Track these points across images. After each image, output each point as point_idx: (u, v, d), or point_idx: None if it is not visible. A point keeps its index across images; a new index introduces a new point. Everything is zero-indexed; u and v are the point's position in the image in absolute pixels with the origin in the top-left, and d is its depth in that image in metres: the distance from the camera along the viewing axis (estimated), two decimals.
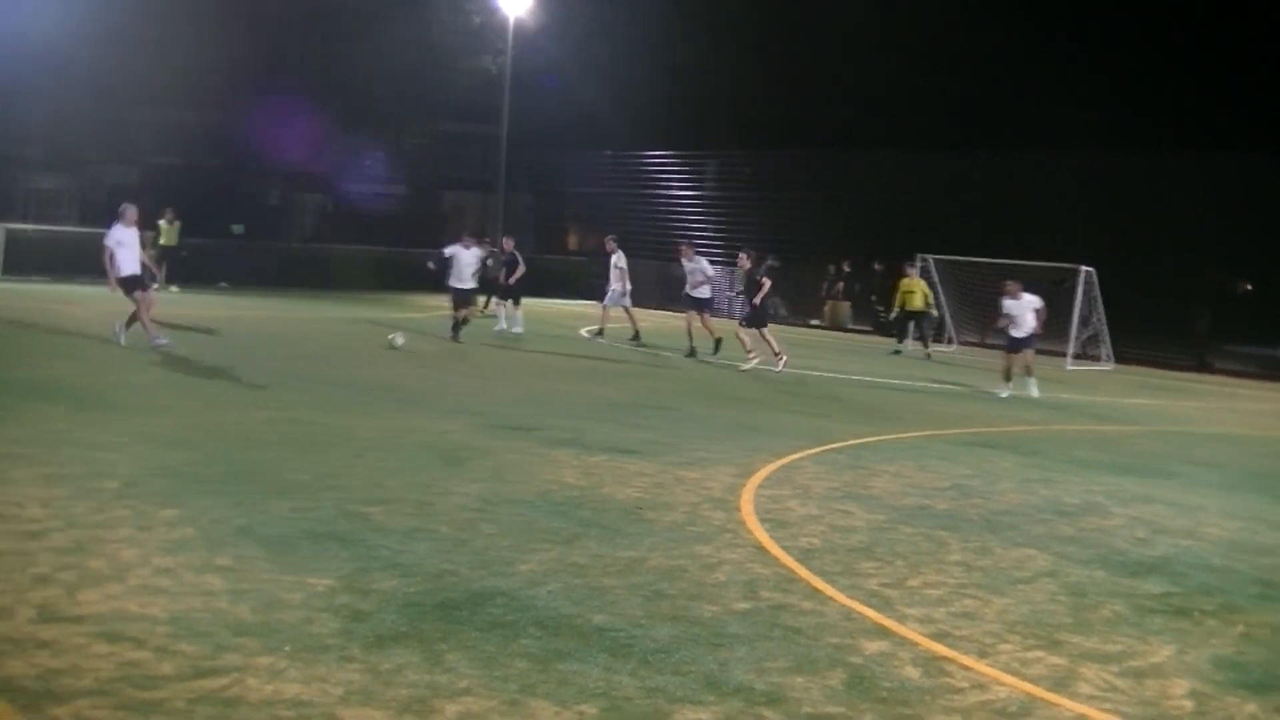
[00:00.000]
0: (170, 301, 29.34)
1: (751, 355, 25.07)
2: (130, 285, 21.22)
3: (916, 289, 33.19)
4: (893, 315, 34.60)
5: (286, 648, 7.06)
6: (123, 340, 21.33)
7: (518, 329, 29.74)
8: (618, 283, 30.02)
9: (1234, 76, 45.36)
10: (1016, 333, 23.49)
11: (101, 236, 21.37)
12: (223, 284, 41.54)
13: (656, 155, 52.74)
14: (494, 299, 31.66)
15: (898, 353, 32.72)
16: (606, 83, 51.35)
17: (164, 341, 21.28)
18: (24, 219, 38.66)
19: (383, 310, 35.70)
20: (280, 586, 8.18)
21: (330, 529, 9.79)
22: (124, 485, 10.80)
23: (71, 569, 8.25)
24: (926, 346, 33.15)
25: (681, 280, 28.61)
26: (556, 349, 27.28)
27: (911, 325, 34.17)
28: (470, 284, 27.55)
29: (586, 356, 25.95)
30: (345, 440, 13.94)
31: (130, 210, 21.44)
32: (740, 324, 26.20)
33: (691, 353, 27.09)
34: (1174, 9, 46.90)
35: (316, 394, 17.67)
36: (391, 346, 19.91)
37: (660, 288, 41.06)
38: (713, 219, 49.65)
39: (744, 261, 26.67)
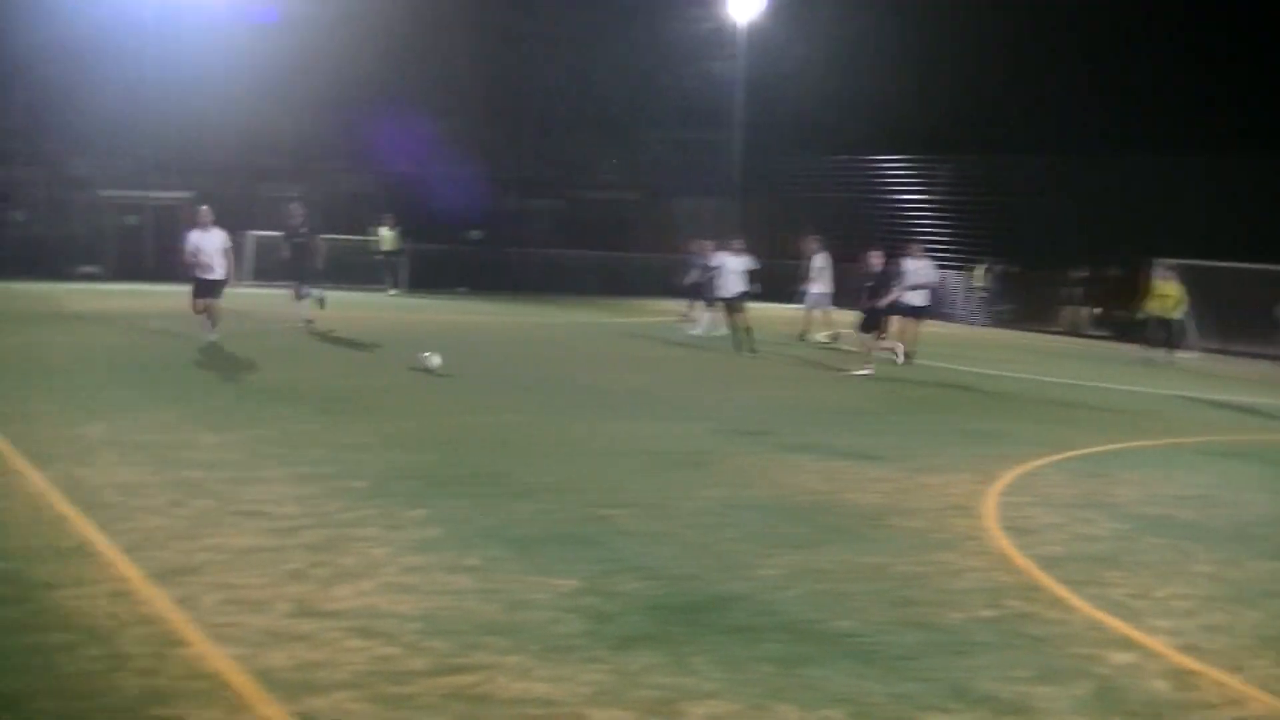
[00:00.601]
0: (394, 305, 29.94)
1: (867, 365, 23.49)
2: (205, 289, 21.97)
3: (1171, 293, 32.15)
4: (1142, 316, 33.45)
5: (534, 646, 7.16)
6: (213, 336, 21.74)
7: (697, 331, 29.39)
8: (817, 285, 29.58)
9: None
10: None
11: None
12: (461, 289, 42.28)
13: (888, 159, 52.32)
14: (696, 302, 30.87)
15: (1150, 361, 31.64)
16: (838, 86, 51.00)
17: (214, 338, 21.69)
18: (269, 226, 39.71)
19: (617, 315, 36.01)
20: (526, 587, 8.30)
21: (574, 531, 9.91)
22: (373, 485, 11.09)
23: (325, 565, 8.50)
24: (1172, 353, 32.09)
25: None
26: (785, 354, 27.08)
27: (1161, 330, 33.02)
28: (737, 291, 26.47)
29: (812, 363, 25.69)
30: (584, 443, 14.11)
31: (203, 213, 22.19)
32: (858, 328, 24.16)
33: (907, 358, 25.82)
34: None
35: (554, 398, 17.90)
36: (425, 368, 18.77)
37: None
38: (945, 224, 49.10)
39: (874, 260, 24.21)
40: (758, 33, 48.28)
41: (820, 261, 29.70)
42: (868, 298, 23.56)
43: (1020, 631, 8.10)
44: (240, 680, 6.41)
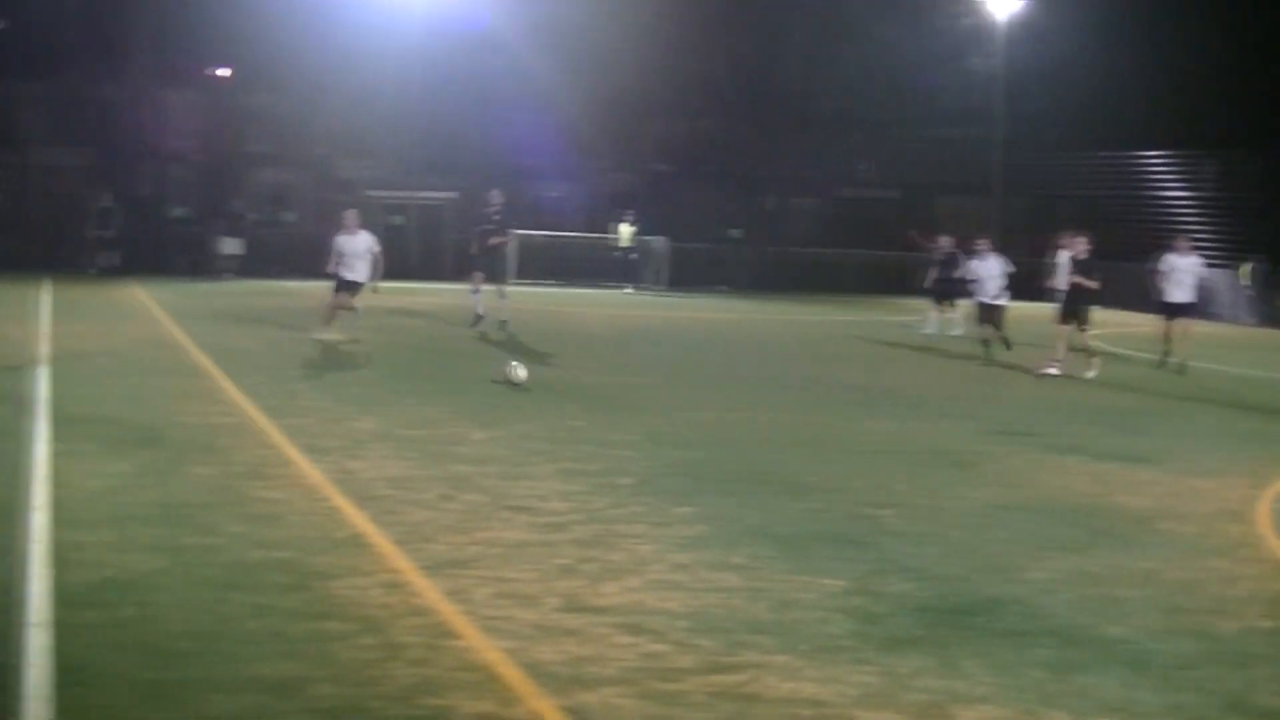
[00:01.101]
0: (653, 304, 30.02)
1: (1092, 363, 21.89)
2: (345, 287, 21.95)
3: None
4: None
5: (802, 646, 7.10)
6: (327, 334, 21.44)
7: (929, 330, 28.89)
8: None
9: None
10: None
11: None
12: (722, 287, 42.43)
13: (1151, 155, 51.08)
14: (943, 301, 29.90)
15: None
16: (1099, 82, 49.90)
17: (330, 336, 21.42)
18: (533, 226, 40.40)
19: (877, 313, 35.78)
20: (794, 586, 8.25)
21: (841, 530, 9.83)
22: (639, 482, 11.16)
23: (593, 561, 8.56)
24: None
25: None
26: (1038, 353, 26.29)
27: None
28: (993, 296, 24.69)
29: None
30: (850, 442, 14.03)
31: (349, 215, 22.37)
32: (1077, 324, 21.95)
33: (1162, 362, 24.23)
34: None
35: (818, 396, 17.84)
36: (509, 381, 17.39)
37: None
38: (1210, 220, 47.72)
39: (1076, 246, 22.36)
40: (1017, 28, 47.48)
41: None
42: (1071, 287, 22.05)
43: None
44: (510, 673, 6.48)
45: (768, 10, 49.74)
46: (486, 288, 24.44)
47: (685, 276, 41.93)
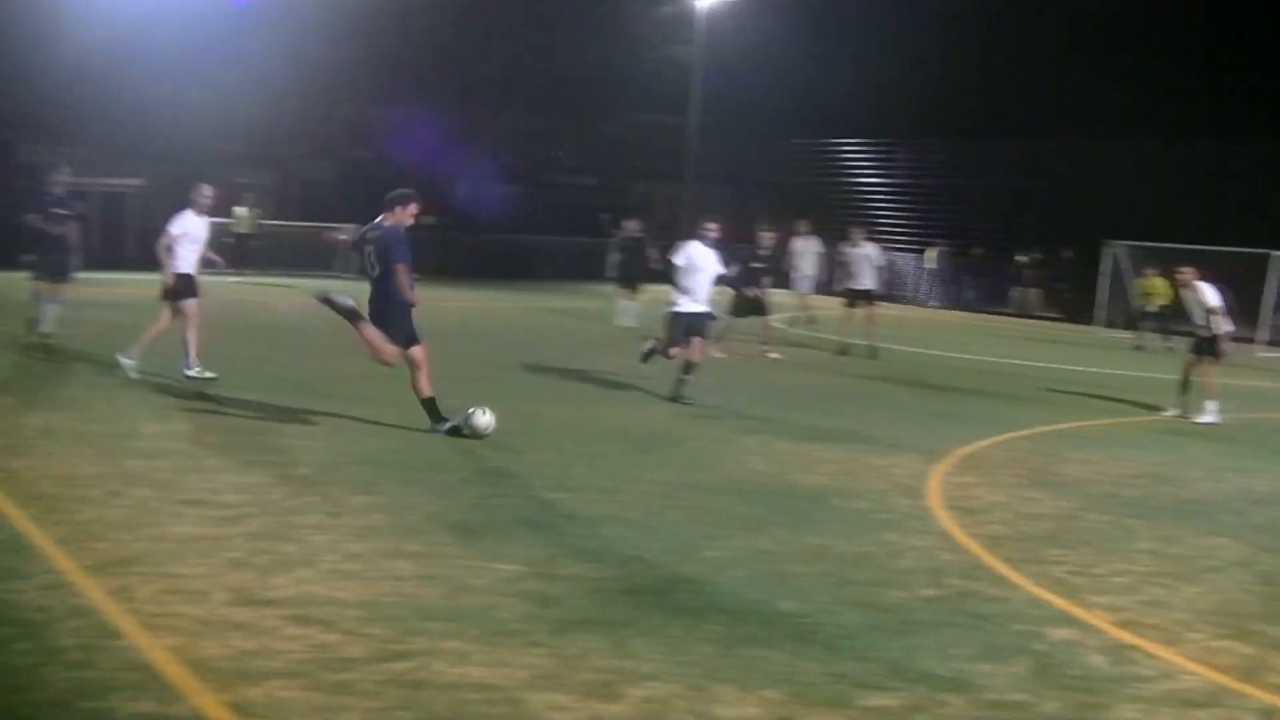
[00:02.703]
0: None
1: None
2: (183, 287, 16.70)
3: (1157, 288, 31.99)
4: (1138, 307, 33.27)
5: (473, 631, 7.11)
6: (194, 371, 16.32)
7: (628, 322, 27.75)
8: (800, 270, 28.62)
9: None
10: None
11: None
12: (414, 275, 42.05)
13: (845, 143, 52.50)
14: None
15: (1140, 348, 31.46)
16: (795, 71, 50.99)
17: (202, 373, 16.27)
18: (225, 215, 39.32)
19: (572, 300, 35.92)
20: (468, 572, 8.26)
21: (519, 515, 9.88)
22: (316, 472, 11.02)
23: (265, 554, 8.42)
24: (1167, 340, 31.57)
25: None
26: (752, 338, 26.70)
27: (1153, 320, 32.73)
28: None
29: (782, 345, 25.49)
30: (533, 428, 14.02)
31: (203, 191, 17.16)
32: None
33: (844, 348, 24.71)
34: None
35: (502, 383, 17.77)
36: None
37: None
38: (901, 207, 49.33)
39: (763, 238, 22.88)
40: (717, 17, 48.21)
41: (799, 247, 28.47)
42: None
43: (960, 610, 8.13)
44: (174, 671, 6.33)
45: None
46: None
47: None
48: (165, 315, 16.47)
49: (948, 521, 10.55)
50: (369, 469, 11.28)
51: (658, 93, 52.25)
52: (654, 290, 27.03)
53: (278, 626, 7.04)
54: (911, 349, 26.08)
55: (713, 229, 17.35)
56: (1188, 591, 8.90)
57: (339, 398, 15.17)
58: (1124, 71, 46.37)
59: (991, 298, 44.25)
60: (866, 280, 25.14)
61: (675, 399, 16.35)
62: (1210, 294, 18.37)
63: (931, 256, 45.82)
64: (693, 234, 17.76)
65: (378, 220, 13.61)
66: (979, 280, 45.57)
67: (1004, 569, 9.12)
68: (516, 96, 50.46)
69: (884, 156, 51.76)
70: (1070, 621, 8.03)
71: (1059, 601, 8.43)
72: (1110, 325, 36.63)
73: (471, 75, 49.95)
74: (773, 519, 10.30)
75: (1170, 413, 18.28)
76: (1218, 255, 27.73)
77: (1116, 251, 37.68)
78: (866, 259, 25.15)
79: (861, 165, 52.43)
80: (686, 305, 16.78)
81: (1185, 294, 18.85)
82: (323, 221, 28.47)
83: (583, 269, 43.90)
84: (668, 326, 17.10)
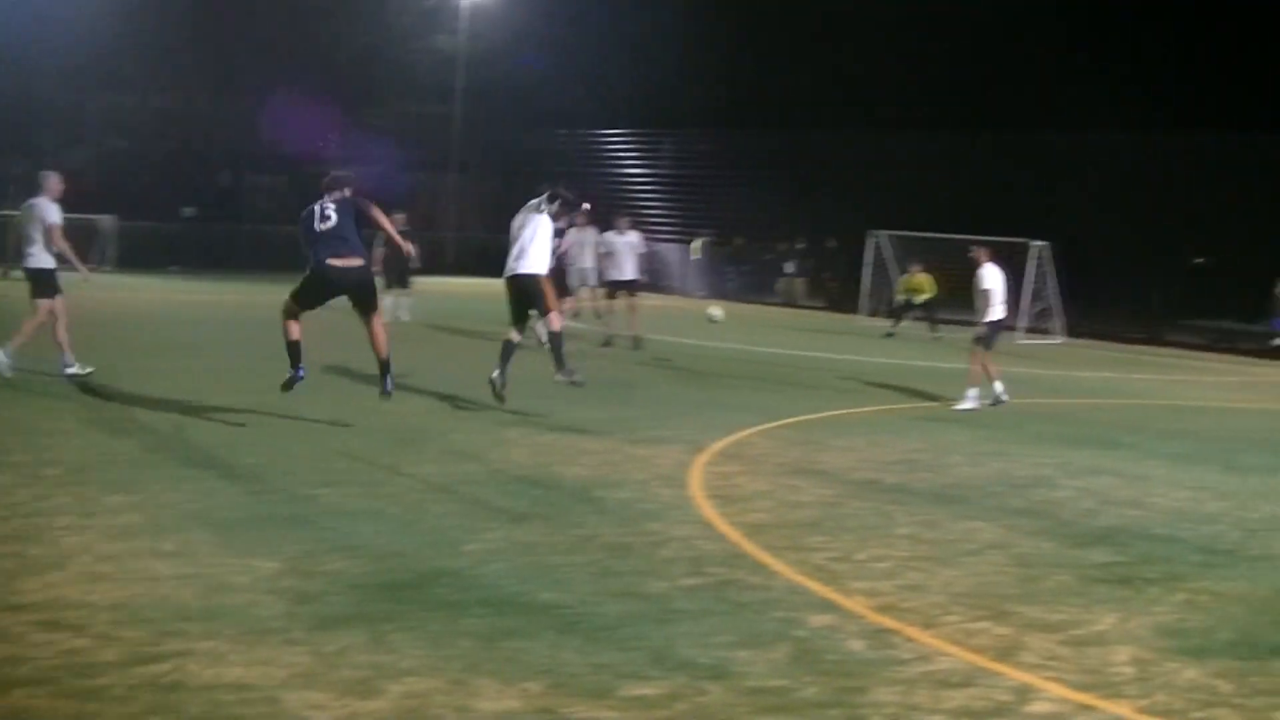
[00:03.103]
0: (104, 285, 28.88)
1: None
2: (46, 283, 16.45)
3: (923, 285, 32.68)
4: (901, 299, 33.88)
5: (230, 631, 7.02)
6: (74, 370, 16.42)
7: (404, 316, 27.45)
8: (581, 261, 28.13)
9: (1194, 56, 45.06)
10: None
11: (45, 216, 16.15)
12: (174, 268, 41.24)
13: (610, 133, 52.77)
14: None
15: (891, 335, 32.14)
16: (560, 61, 51.17)
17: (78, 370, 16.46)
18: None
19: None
20: (225, 570, 8.15)
21: (279, 512, 9.77)
22: (68, 471, 10.75)
23: (11, 557, 8.20)
24: (934, 329, 32.24)
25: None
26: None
27: (916, 310, 33.35)
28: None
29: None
30: (294, 423, 13.87)
31: (52, 179, 16.56)
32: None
33: (608, 340, 24.74)
34: None
35: (275, 375, 17.47)
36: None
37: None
38: (667, 197, 49.75)
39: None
40: (481, 7, 48.11)
41: (581, 237, 27.83)
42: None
43: (721, 598, 8.25)
44: None
45: None
46: None
47: (136, 257, 40.43)
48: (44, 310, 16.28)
49: (710, 510, 10.69)
50: (123, 467, 11.04)
51: (425, 82, 52.04)
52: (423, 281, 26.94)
53: (25, 633, 6.85)
54: (676, 339, 26.31)
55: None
56: (945, 575, 9.13)
57: (90, 394, 14.80)
58: (894, 62, 47.46)
59: (758, 287, 44.91)
60: (629, 270, 25.06)
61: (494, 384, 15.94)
62: (988, 277, 18.69)
63: (697, 247, 46.35)
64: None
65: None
66: (744, 270, 46.25)
67: (765, 557, 9.28)
68: (282, 86, 49.68)
69: (650, 147, 52.13)
70: (830, 607, 8.19)
71: (819, 588, 8.59)
72: (874, 314, 37.48)
73: (234, 64, 49.06)
74: (535, 511, 10.34)
75: (986, 403, 18.56)
76: (979, 245, 28.35)
77: (879, 240, 38.54)
78: (630, 247, 25.18)
79: (628, 155, 52.76)
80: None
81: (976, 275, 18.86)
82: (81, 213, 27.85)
83: None
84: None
